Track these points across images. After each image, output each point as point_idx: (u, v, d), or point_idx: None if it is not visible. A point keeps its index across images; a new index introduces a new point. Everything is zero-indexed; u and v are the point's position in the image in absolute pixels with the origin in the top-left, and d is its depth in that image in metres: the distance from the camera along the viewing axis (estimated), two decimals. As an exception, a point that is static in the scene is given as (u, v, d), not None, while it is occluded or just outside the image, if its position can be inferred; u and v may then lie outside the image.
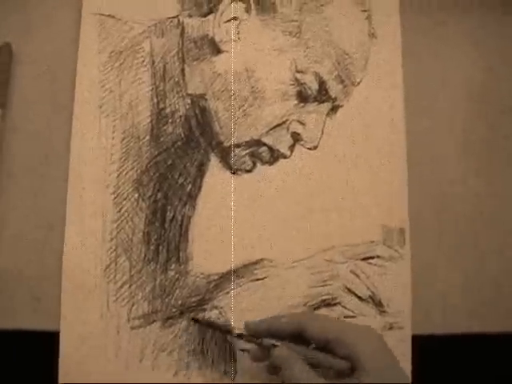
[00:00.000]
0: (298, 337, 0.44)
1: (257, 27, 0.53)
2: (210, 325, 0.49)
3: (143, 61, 0.53)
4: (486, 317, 0.53)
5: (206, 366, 0.50)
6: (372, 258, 0.52)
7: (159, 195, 0.52)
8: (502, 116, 0.57)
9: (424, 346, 0.51)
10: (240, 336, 0.46)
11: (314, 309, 0.51)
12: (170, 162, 0.52)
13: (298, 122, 0.53)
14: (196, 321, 0.49)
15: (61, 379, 0.48)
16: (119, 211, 0.51)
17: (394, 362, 0.42)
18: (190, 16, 0.54)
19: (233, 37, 0.53)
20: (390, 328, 0.51)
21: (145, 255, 0.51)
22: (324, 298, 0.52)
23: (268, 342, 0.44)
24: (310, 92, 0.52)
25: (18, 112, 0.53)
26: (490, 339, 0.52)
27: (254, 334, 0.45)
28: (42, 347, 0.49)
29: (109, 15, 0.53)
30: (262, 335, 0.45)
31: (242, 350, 0.50)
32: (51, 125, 0.52)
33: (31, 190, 0.52)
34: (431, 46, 0.57)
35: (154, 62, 0.53)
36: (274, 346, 0.43)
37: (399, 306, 0.52)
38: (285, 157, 0.53)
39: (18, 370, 0.49)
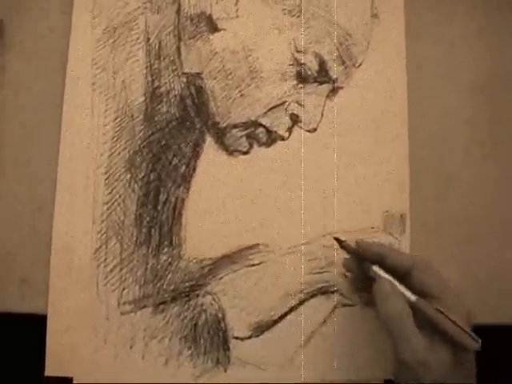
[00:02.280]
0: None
1: (256, 5, 0.52)
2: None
3: (138, 38, 0.51)
4: (483, 306, 0.51)
5: (198, 354, 0.49)
6: (371, 244, 0.51)
7: (152, 176, 0.50)
8: (508, 99, 0.55)
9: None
10: None
11: (311, 296, 0.50)
12: (163, 143, 0.50)
13: (297, 103, 0.51)
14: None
15: (48, 364, 0.47)
16: (110, 192, 0.49)
17: None
18: (187, -8, 0.52)
19: (231, 14, 0.51)
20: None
21: (136, 238, 0.49)
22: (321, 285, 0.50)
23: None
24: (309, 73, 0.51)
25: (8, 89, 0.51)
26: (486, 329, 0.51)
27: None
28: (30, 330, 0.48)
29: (103, -10, 0.52)
30: None
31: (236, 338, 0.49)
32: (42, 103, 0.51)
33: (20, 171, 0.50)
34: (435, 27, 0.55)
35: (148, 39, 0.51)
36: None
37: (398, 294, 0.50)
38: (282, 139, 0.51)
39: (5, 353, 0.48)
